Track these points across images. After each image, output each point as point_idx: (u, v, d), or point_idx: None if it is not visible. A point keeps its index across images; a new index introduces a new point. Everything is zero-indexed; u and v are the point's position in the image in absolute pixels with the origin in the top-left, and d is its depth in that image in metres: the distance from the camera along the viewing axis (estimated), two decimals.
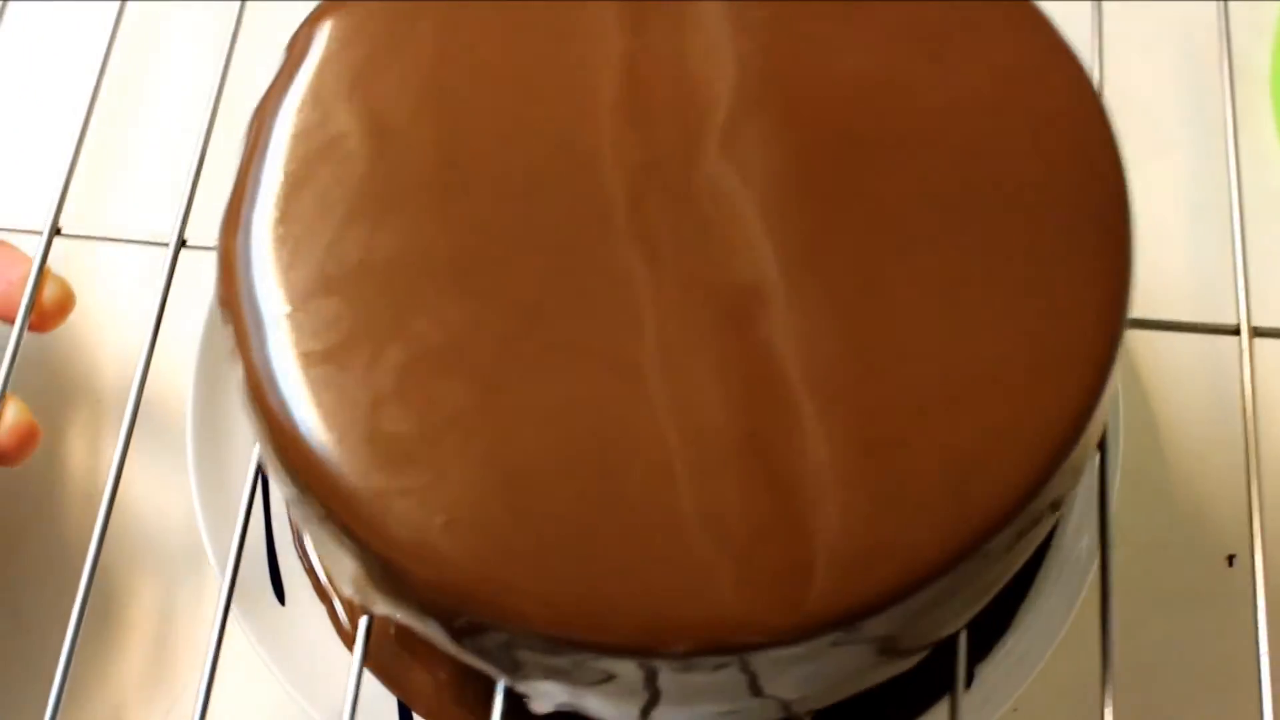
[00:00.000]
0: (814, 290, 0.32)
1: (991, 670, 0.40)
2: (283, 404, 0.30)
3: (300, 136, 0.33)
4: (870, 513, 0.30)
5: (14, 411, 0.41)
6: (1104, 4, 0.43)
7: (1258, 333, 0.40)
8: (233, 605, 0.35)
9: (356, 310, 0.31)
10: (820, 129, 0.34)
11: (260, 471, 0.36)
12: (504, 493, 0.30)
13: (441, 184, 0.33)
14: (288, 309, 0.31)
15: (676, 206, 0.33)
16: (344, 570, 0.32)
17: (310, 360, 0.31)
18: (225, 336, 0.32)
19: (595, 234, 0.32)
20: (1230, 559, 0.43)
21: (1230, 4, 0.45)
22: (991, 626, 0.40)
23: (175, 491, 0.43)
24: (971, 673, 0.40)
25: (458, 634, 0.30)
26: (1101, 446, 0.37)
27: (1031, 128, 0.34)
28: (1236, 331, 0.39)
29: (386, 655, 0.40)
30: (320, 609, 0.42)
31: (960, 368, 0.31)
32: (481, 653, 0.31)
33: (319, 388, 0.30)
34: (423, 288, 0.32)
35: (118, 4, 0.46)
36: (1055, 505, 0.33)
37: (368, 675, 0.40)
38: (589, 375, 0.31)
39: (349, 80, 0.34)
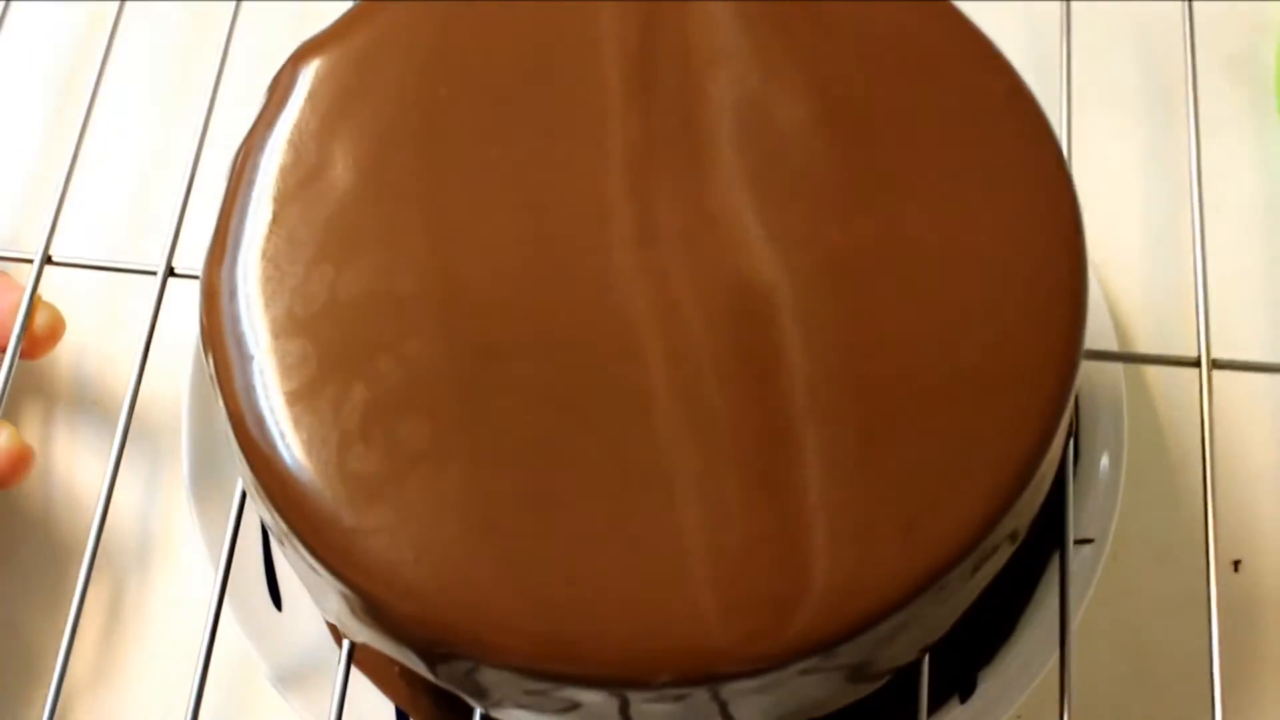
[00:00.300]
0: (792, 316, 0.33)
1: (994, 676, 0.40)
2: (259, 442, 0.31)
3: (278, 176, 0.34)
4: (841, 545, 0.31)
5: (6, 437, 0.42)
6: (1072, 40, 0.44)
7: (1217, 365, 0.41)
8: (230, 611, 0.36)
9: (322, 350, 0.32)
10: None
11: None
12: (473, 528, 0.31)
13: (412, 224, 0.34)
14: (262, 347, 0.32)
15: (644, 248, 0.34)
16: (324, 599, 0.33)
17: (284, 399, 0.32)
18: (207, 368, 0.33)
19: (565, 272, 0.33)
20: (1236, 564, 0.44)
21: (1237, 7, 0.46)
22: (993, 632, 0.41)
23: (168, 504, 0.45)
24: (974, 679, 0.40)
25: (434, 663, 0.31)
26: (1063, 465, 0.38)
27: (994, 186, 0.35)
28: (1196, 364, 0.40)
29: (383, 660, 0.41)
30: (316, 613, 0.42)
31: (921, 402, 0.32)
32: (458, 681, 0.32)
33: (292, 427, 0.31)
34: (386, 328, 0.33)
35: (107, 35, 0.47)
36: (1013, 536, 0.34)
37: (366, 682, 0.41)
38: (554, 412, 0.32)
39: (328, 121, 0.35)
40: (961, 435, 0.32)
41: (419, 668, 0.32)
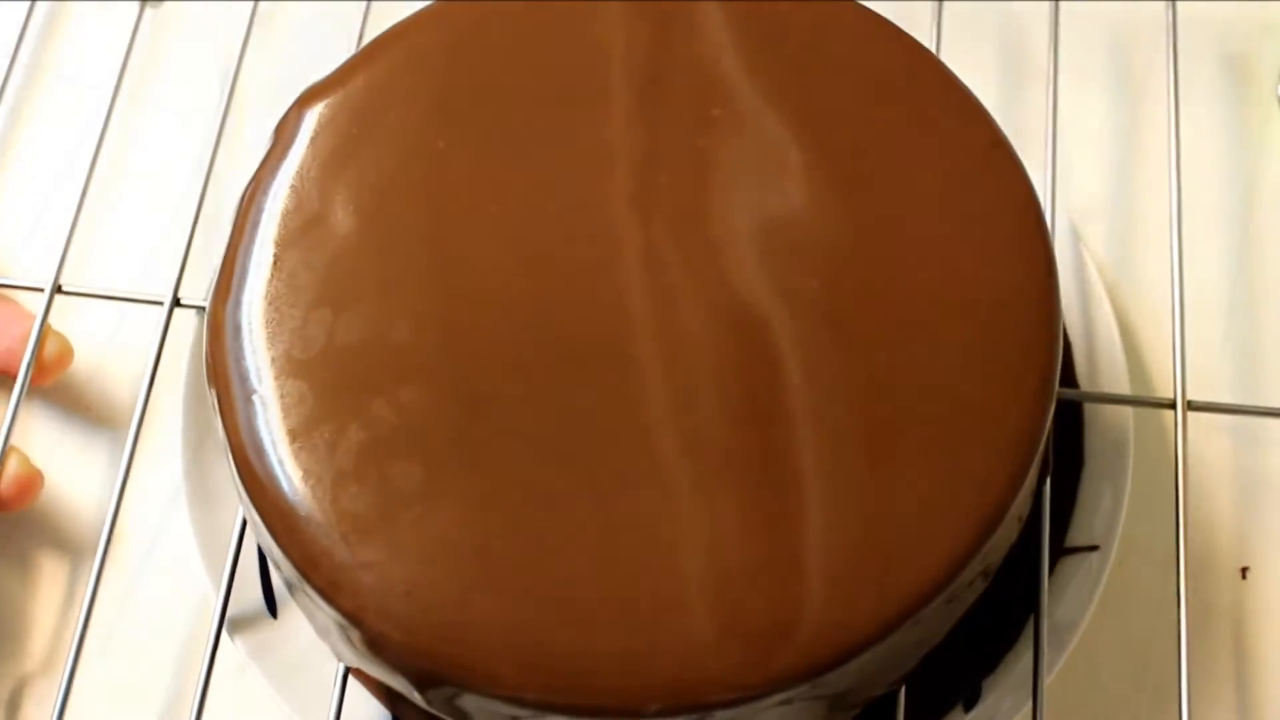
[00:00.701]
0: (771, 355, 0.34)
1: (997, 685, 0.41)
2: (259, 475, 0.33)
3: (281, 219, 0.36)
4: (823, 583, 0.32)
5: (15, 462, 0.43)
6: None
7: (1193, 407, 0.42)
8: (226, 621, 0.37)
9: (318, 392, 0.33)
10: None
11: None
12: (464, 563, 0.32)
13: (410, 271, 0.35)
14: (264, 385, 0.34)
15: (632, 279, 0.35)
16: (317, 625, 0.34)
17: (284, 436, 0.33)
18: (210, 398, 0.35)
19: (559, 312, 0.35)
20: (1244, 571, 0.44)
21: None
22: (998, 639, 0.42)
23: (172, 520, 0.46)
24: (978, 687, 0.41)
25: (424, 690, 0.32)
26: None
27: (975, 235, 0.36)
28: (1173, 405, 0.42)
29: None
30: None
31: (903, 442, 0.33)
32: (448, 709, 0.33)
33: (290, 463, 0.32)
34: (381, 372, 0.34)
35: (118, 71, 0.48)
36: (985, 573, 0.35)
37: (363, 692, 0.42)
38: (546, 451, 0.33)
39: (330, 167, 0.36)
40: (937, 477, 0.33)
41: (411, 694, 0.33)
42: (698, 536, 0.32)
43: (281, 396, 0.33)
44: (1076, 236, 0.46)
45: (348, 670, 0.36)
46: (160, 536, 0.45)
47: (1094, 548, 0.42)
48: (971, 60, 0.46)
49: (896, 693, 0.37)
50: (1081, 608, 0.41)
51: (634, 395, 0.34)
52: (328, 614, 0.32)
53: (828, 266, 0.35)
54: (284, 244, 0.35)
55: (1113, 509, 0.42)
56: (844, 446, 0.33)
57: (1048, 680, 0.39)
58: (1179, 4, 0.47)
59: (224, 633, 0.39)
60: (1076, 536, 0.43)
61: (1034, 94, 0.49)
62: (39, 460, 0.44)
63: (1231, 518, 0.45)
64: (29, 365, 0.42)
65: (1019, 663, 0.41)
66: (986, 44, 0.52)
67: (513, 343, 0.34)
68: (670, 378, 0.34)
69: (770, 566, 0.32)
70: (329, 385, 0.34)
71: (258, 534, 0.34)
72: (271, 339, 0.34)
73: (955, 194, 0.36)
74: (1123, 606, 0.43)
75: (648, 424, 0.33)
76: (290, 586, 0.35)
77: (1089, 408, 0.44)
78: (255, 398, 0.33)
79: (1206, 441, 0.46)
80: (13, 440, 0.43)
